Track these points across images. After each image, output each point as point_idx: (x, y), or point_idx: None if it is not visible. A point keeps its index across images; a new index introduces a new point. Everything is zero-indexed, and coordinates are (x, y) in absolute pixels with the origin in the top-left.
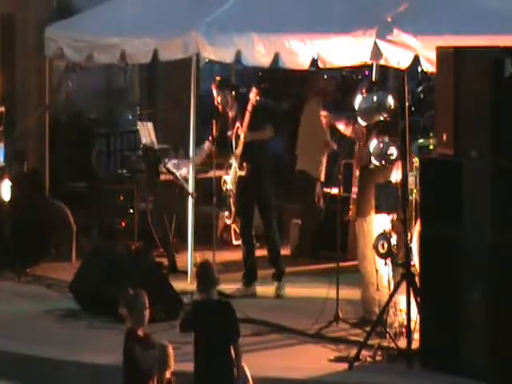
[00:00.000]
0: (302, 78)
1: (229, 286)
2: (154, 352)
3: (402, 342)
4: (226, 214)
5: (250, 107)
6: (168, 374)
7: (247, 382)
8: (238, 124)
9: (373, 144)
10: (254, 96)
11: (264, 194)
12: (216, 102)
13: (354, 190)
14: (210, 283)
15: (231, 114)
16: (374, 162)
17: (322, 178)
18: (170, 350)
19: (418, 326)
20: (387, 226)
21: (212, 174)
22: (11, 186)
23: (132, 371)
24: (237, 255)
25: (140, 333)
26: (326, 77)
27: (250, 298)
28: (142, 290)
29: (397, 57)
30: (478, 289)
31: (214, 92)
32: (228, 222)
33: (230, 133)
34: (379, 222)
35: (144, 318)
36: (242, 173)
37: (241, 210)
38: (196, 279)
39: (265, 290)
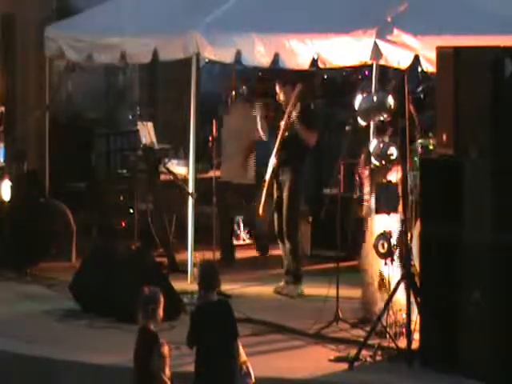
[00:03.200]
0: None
1: (229, 286)
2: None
3: (402, 342)
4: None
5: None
6: (168, 371)
7: (250, 380)
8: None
9: (373, 144)
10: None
11: (291, 187)
12: (277, 98)
13: (367, 189)
14: (210, 284)
15: (290, 108)
16: (374, 161)
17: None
18: (167, 347)
19: (417, 326)
20: (393, 225)
21: (212, 174)
22: (11, 186)
23: (144, 374)
24: (237, 255)
25: (153, 330)
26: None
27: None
28: (158, 288)
29: (397, 57)
30: (478, 289)
31: (277, 88)
32: (261, 213)
33: (282, 123)
34: (383, 222)
35: (158, 316)
36: (275, 161)
37: (276, 206)
38: (197, 279)
39: (265, 290)
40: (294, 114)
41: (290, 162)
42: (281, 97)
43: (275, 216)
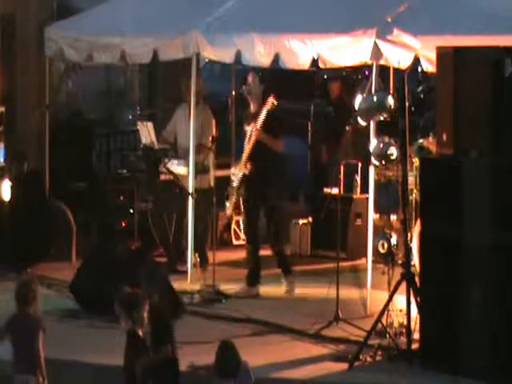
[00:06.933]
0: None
1: (229, 286)
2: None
3: (402, 342)
4: (227, 205)
5: (267, 108)
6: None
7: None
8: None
9: (373, 144)
10: (271, 99)
11: (267, 196)
12: (246, 92)
13: None
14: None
15: (253, 107)
16: (374, 161)
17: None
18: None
19: (418, 326)
20: None
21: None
22: (11, 186)
23: (130, 378)
24: (237, 255)
25: (140, 334)
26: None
27: (253, 298)
28: (138, 290)
29: (397, 57)
30: (478, 289)
31: (250, 80)
32: (228, 212)
33: (248, 127)
34: None
35: (143, 318)
36: (246, 171)
37: (245, 209)
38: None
39: (265, 290)
40: (259, 124)
41: (258, 167)
42: (251, 107)
43: (248, 220)
